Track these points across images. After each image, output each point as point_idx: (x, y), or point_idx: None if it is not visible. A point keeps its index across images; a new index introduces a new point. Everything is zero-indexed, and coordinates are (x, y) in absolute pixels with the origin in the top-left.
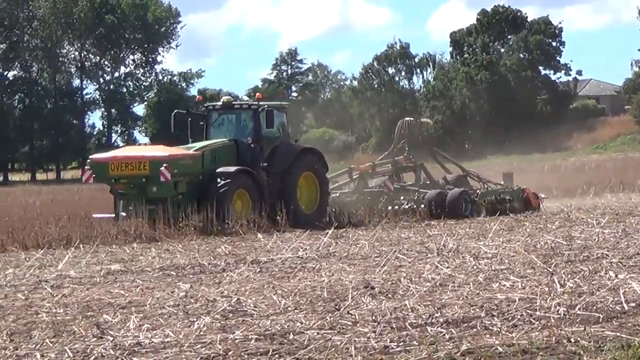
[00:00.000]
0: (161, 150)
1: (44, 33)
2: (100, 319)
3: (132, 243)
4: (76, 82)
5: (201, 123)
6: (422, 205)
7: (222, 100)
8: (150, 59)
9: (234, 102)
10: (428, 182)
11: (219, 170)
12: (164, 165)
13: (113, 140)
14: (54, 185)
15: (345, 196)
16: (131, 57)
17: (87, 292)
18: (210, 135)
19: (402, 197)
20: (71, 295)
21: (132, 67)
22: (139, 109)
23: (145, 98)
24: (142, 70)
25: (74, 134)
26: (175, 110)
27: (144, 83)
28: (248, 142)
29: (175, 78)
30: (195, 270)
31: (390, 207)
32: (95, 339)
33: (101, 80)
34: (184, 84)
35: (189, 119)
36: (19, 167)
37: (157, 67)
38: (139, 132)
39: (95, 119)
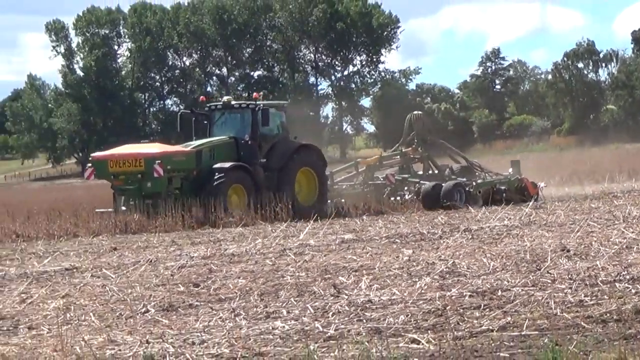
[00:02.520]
0: (156, 148)
1: (283, 39)
2: (336, 281)
3: (362, 216)
4: (311, 79)
5: (205, 122)
6: (421, 196)
7: (222, 100)
8: (375, 59)
9: (233, 102)
10: (436, 172)
11: (216, 166)
12: (157, 161)
13: (344, 129)
14: None
15: (351, 188)
16: (358, 57)
17: (324, 258)
18: (214, 133)
19: (405, 188)
20: (311, 260)
21: (359, 66)
22: (366, 102)
23: (371, 92)
24: (367, 69)
25: (310, 124)
26: (181, 111)
27: (369, 80)
28: (246, 139)
29: (396, 75)
30: (416, 238)
31: (392, 198)
32: (332, 297)
33: (333, 77)
34: (403, 80)
35: (193, 119)
36: None
37: (381, 66)
38: (366, 122)
39: (327, 110)
